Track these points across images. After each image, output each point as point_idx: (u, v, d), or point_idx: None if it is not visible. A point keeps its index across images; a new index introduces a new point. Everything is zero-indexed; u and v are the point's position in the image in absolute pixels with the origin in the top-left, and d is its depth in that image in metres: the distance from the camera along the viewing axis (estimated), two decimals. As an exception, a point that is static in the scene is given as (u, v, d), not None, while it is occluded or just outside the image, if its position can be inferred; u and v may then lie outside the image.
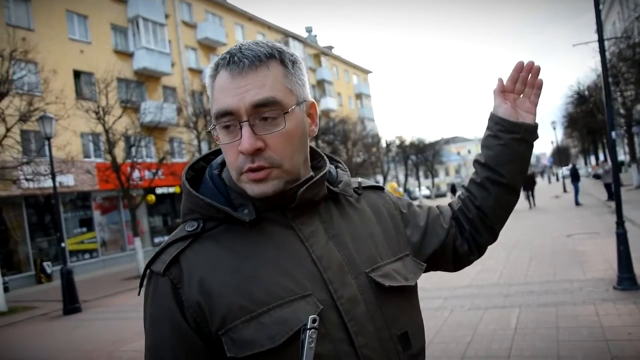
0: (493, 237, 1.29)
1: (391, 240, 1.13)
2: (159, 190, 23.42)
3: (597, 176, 21.24)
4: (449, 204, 1.33)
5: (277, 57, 0.97)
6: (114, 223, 22.07)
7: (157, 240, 24.12)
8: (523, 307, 6.35)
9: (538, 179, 22.68)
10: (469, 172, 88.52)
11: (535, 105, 1.23)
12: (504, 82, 1.24)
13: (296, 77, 1.00)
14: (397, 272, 1.07)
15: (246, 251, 0.97)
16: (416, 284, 1.13)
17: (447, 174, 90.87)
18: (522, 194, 21.72)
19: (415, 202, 1.31)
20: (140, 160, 18.19)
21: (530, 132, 1.22)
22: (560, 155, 68.12)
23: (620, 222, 6.78)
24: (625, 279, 6.56)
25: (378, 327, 0.99)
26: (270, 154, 0.95)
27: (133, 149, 17.08)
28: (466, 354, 5.01)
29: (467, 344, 5.28)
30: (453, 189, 45.10)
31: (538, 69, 1.21)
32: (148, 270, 0.99)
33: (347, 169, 1.19)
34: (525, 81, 1.23)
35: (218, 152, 1.13)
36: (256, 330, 0.89)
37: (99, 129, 16.51)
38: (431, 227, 1.22)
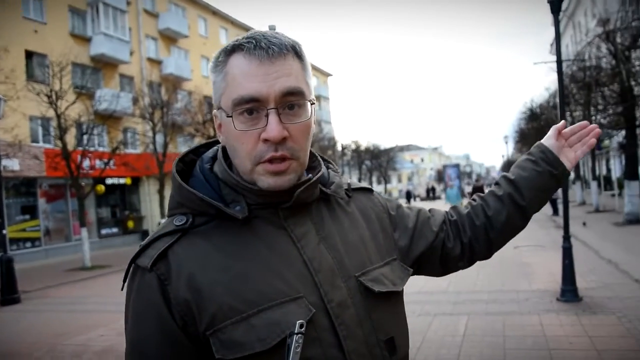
0: (487, 253, 1.29)
1: (379, 244, 1.12)
2: (109, 181, 22.78)
3: None
4: (454, 207, 1.33)
5: (298, 50, 0.97)
6: (59, 212, 21.28)
7: (104, 231, 23.44)
8: (471, 315, 6.51)
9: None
10: (420, 180, 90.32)
11: (577, 159, 1.29)
12: (565, 127, 1.29)
13: (309, 72, 1.00)
14: (385, 277, 1.06)
15: (237, 249, 0.94)
16: (402, 289, 1.12)
17: (399, 180, 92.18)
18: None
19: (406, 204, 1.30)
20: (92, 149, 17.63)
21: (564, 174, 1.26)
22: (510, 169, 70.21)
23: (566, 237, 7.05)
24: (568, 292, 6.84)
25: (366, 332, 0.98)
26: (292, 145, 0.94)
27: (85, 137, 16.51)
28: (415, 359, 5.09)
29: (416, 349, 5.36)
30: (408, 195, 46.05)
31: (598, 134, 1.28)
32: (133, 265, 0.95)
33: (339, 171, 1.17)
34: (581, 138, 1.29)
35: (209, 144, 1.10)
36: (246, 332, 0.87)
37: (50, 113, 15.87)
38: (419, 230, 1.21)
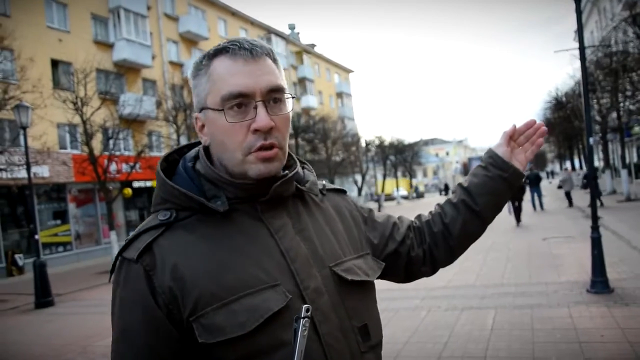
0: (449, 259, 1.35)
1: (353, 239, 1.20)
2: (135, 184, 23.13)
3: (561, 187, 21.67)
4: (418, 216, 1.40)
5: (271, 54, 1.07)
6: (89, 216, 21.72)
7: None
8: (499, 309, 6.43)
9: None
10: (446, 174, 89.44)
11: (528, 160, 1.35)
12: (514, 131, 1.34)
13: (283, 73, 1.09)
14: (358, 268, 1.14)
15: (218, 241, 1.00)
16: (374, 280, 1.19)
17: (424, 175, 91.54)
18: (506, 207, 17.72)
19: (389, 204, 1.36)
20: (117, 153, 17.93)
21: (516, 176, 1.31)
22: (537, 160, 69.34)
23: (595, 227, 6.91)
24: (599, 283, 6.69)
25: (341, 318, 1.05)
26: (278, 134, 1.03)
27: (111, 142, 16.82)
28: (443, 354, 5.05)
29: (444, 344, 5.33)
30: (446, 188, 46.56)
31: (544, 132, 1.35)
32: (120, 258, 1.00)
33: (313, 170, 1.25)
34: (529, 138, 1.34)
35: (191, 145, 1.17)
36: (227, 317, 0.93)
37: (77, 120, 16.22)
38: (390, 232, 1.29)
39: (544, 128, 1.35)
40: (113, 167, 17.35)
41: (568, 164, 50.69)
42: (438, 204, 1.38)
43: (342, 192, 1.30)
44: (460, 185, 1.36)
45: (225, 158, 1.03)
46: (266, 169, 1.01)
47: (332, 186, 1.29)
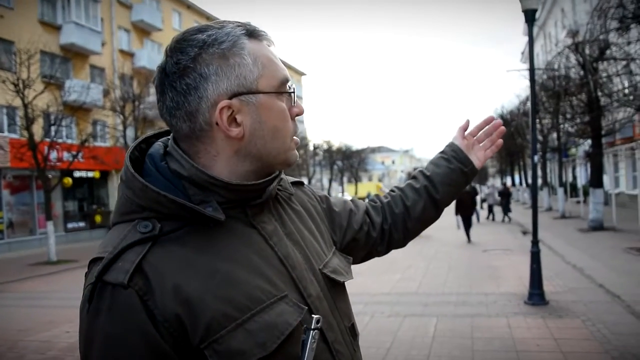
0: (403, 241, 1.39)
1: (323, 236, 1.15)
2: (77, 174, 22.29)
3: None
4: (377, 195, 1.42)
5: None
6: (24, 204, 20.71)
7: (70, 225, 22.92)
8: (440, 317, 6.59)
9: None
10: (391, 182, 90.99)
11: (487, 158, 1.40)
12: (469, 125, 1.41)
13: None
14: (340, 267, 1.10)
15: (217, 252, 0.88)
16: None
17: (370, 181, 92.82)
18: (456, 219, 16.22)
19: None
20: (60, 140, 17.22)
21: (473, 172, 1.38)
22: (480, 174, 71.63)
23: (535, 242, 7.20)
24: (536, 295, 6.98)
25: (337, 321, 1.02)
26: None
27: (53, 128, 16.10)
28: (386, 359, 5.13)
29: (387, 350, 5.40)
30: None
31: (503, 131, 1.39)
32: (99, 283, 0.81)
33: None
34: (488, 135, 1.40)
35: (147, 140, 1.01)
36: (244, 339, 0.83)
37: (17, 102, 15.39)
38: (347, 220, 1.27)
39: (503, 128, 1.39)
40: (54, 154, 16.62)
41: (509, 180, 52.59)
42: (397, 187, 1.42)
43: (301, 184, 1.23)
44: (422, 172, 1.40)
45: (276, 146, 0.94)
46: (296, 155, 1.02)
47: (292, 179, 1.21)
